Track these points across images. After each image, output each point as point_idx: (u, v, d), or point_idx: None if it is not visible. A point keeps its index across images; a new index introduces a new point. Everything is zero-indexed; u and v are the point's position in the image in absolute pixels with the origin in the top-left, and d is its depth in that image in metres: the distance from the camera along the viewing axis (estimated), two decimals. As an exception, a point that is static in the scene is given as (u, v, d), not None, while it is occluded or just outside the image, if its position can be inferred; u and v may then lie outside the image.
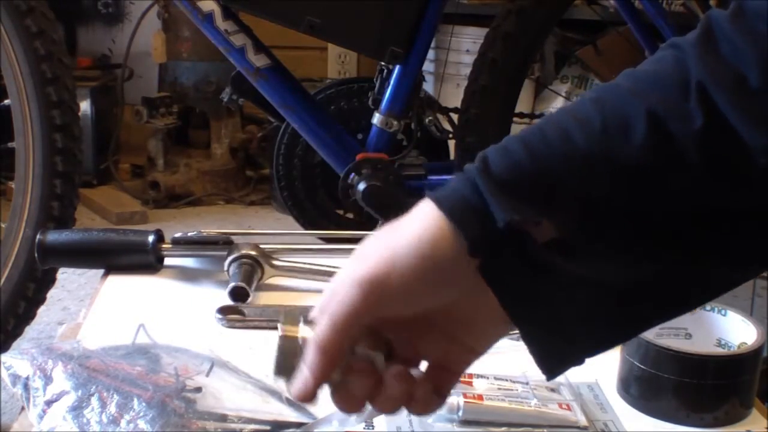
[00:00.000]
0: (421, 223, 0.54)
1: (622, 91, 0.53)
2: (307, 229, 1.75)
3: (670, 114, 0.51)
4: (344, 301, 0.54)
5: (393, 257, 0.54)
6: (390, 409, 0.57)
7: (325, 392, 0.56)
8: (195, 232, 1.07)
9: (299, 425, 0.71)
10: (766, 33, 0.49)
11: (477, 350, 0.60)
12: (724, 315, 0.83)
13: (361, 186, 1.56)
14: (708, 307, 0.84)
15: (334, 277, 0.56)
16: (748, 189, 0.51)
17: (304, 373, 0.55)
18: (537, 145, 0.53)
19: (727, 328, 0.83)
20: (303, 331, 0.57)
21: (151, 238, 1.04)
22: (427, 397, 0.58)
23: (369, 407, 0.68)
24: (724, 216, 0.52)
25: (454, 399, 0.74)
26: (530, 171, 0.52)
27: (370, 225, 1.60)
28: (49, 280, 1.71)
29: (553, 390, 0.77)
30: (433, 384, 0.58)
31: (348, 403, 0.57)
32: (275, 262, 1.02)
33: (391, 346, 0.58)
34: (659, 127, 0.51)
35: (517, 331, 0.58)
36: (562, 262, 0.53)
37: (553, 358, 0.58)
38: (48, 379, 0.71)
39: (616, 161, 0.51)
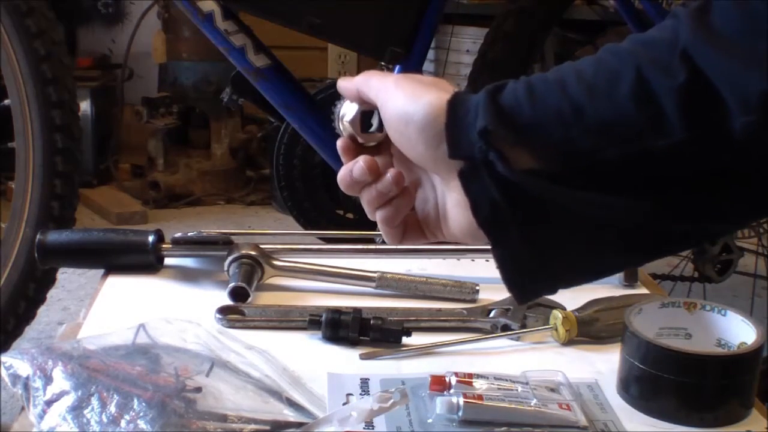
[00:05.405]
0: (432, 99, 0.60)
1: (620, 50, 0.57)
2: (307, 229, 1.75)
3: (656, 70, 0.53)
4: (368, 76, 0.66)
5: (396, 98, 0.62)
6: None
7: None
8: (195, 232, 1.07)
9: (299, 425, 0.71)
10: (762, 8, 0.51)
11: (437, 235, 0.67)
12: (724, 315, 0.83)
13: (361, 186, 1.56)
14: (708, 307, 0.84)
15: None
16: (728, 150, 0.53)
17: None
18: (538, 90, 0.57)
19: (727, 328, 0.83)
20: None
21: (151, 238, 1.04)
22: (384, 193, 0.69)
23: (368, 407, 0.68)
24: (705, 176, 0.54)
25: (454, 399, 0.73)
26: (526, 111, 0.56)
27: (370, 225, 1.59)
28: (49, 280, 1.71)
29: (553, 390, 0.77)
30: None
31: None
32: (275, 262, 1.02)
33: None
34: (644, 82, 0.54)
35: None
36: (539, 189, 0.56)
37: (523, 278, 0.60)
38: (48, 379, 0.71)
39: (601, 112, 0.54)
